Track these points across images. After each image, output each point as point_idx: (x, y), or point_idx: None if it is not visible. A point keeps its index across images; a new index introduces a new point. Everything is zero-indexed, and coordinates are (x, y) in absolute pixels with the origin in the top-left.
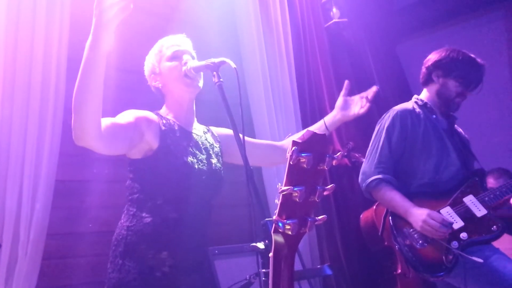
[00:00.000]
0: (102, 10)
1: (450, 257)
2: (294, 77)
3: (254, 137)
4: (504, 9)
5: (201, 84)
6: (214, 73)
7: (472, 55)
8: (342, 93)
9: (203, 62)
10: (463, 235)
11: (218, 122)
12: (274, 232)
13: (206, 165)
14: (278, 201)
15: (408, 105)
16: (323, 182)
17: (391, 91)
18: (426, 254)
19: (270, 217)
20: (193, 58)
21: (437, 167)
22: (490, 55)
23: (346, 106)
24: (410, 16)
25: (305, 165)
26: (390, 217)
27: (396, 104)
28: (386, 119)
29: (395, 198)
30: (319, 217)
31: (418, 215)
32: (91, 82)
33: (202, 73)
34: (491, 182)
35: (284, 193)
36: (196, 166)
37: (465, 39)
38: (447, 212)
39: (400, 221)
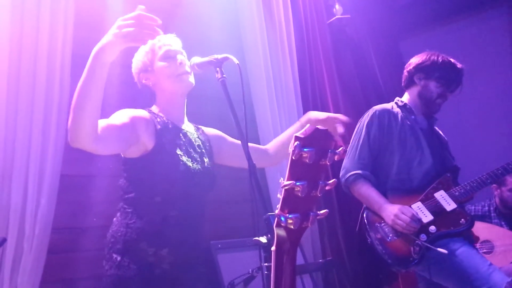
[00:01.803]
0: (122, 31)
1: (417, 249)
2: (297, 73)
3: (257, 133)
4: (507, 6)
5: (192, 80)
6: (217, 69)
7: (452, 59)
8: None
9: (206, 58)
10: (432, 228)
11: (221, 118)
12: (276, 226)
13: (200, 163)
14: (280, 196)
15: (388, 105)
16: (325, 177)
17: (394, 87)
18: (396, 247)
19: (273, 212)
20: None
21: (411, 163)
22: (493, 52)
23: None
24: (413, 13)
25: (307, 160)
26: (365, 213)
27: None
28: (366, 118)
29: (371, 194)
30: (321, 212)
31: (390, 209)
32: (93, 89)
33: (192, 72)
34: (510, 180)
35: (287, 187)
36: (191, 164)
37: (468, 36)
38: (418, 207)
39: (373, 216)
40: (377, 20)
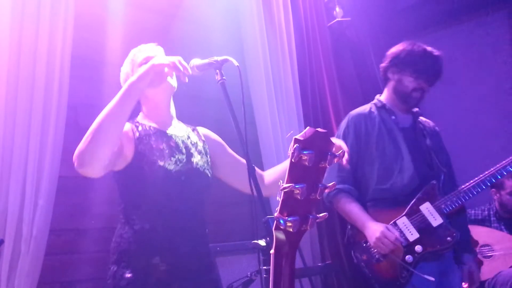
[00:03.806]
0: (165, 62)
1: (405, 272)
2: (297, 75)
3: (256, 135)
4: (507, 9)
5: (174, 83)
6: (217, 71)
7: (428, 48)
8: None
9: (206, 60)
10: (418, 248)
11: (221, 120)
12: (275, 229)
13: (185, 164)
14: (279, 199)
15: (365, 108)
16: (325, 179)
17: None
18: (382, 270)
19: (272, 215)
20: None
21: (391, 172)
22: (493, 55)
23: None
24: (413, 16)
25: (306, 163)
26: (349, 229)
27: None
28: (343, 126)
29: (353, 210)
30: (320, 215)
31: (373, 230)
32: (123, 115)
33: (174, 73)
34: (510, 184)
35: (286, 190)
36: (173, 167)
37: (469, 39)
38: (403, 223)
39: (358, 233)
40: (378, 23)
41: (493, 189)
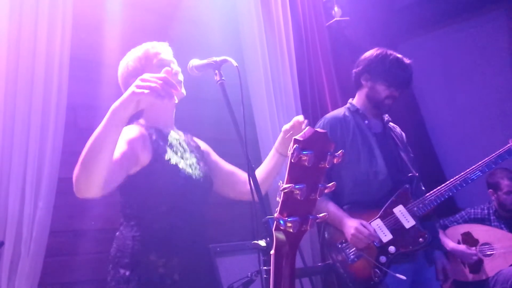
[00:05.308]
0: (148, 84)
1: (378, 272)
2: (296, 75)
3: (255, 135)
4: (506, 8)
5: (184, 91)
6: (216, 71)
7: (399, 56)
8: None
9: (205, 61)
10: (391, 249)
11: (220, 121)
12: (275, 229)
13: (198, 168)
14: (279, 199)
15: (339, 112)
16: (324, 179)
17: None
18: (357, 270)
19: (272, 215)
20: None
21: (366, 176)
22: (491, 54)
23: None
24: (411, 15)
25: (306, 163)
26: (326, 231)
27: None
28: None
29: (330, 210)
30: (320, 215)
31: (349, 227)
32: (109, 144)
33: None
34: (506, 184)
35: (286, 190)
36: (190, 170)
37: (467, 38)
38: (377, 225)
39: (334, 234)
40: (376, 22)
41: (490, 190)
